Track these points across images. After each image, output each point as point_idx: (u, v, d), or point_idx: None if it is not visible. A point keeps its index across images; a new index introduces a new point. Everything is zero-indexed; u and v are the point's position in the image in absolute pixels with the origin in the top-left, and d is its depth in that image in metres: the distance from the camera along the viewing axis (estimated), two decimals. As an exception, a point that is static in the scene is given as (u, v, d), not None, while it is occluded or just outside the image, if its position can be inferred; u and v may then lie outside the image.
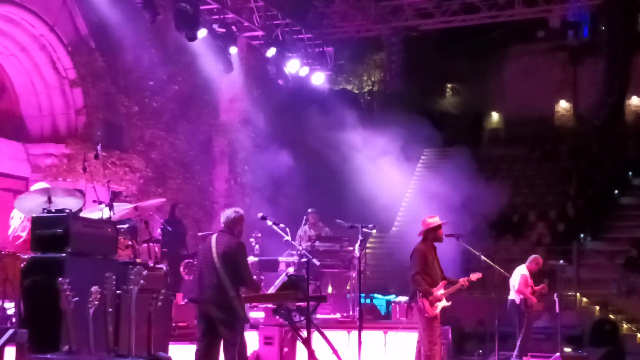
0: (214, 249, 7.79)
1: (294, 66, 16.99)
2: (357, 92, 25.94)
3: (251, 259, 12.30)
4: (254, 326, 11.51)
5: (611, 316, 16.54)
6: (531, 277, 13.01)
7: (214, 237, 7.94)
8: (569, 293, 17.40)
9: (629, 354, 14.64)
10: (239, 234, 7.98)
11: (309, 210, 14.79)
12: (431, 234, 9.83)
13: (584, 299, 17.82)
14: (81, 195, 8.45)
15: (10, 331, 7.06)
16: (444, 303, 9.64)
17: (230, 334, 7.69)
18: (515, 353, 12.21)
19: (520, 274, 12.82)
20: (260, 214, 8.74)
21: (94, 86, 14.99)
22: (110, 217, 8.49)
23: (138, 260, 8.70)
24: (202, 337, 7.87)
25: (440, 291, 9.66)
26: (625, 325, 16.79)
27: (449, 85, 31.86)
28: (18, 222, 8.69)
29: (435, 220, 9.89)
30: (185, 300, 11.40)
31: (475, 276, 10.01)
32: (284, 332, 11.43)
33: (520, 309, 12.57)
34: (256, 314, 12.12)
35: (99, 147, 9.17)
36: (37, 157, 14.70)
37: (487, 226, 21.20)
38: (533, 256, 13.34)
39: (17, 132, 14.76)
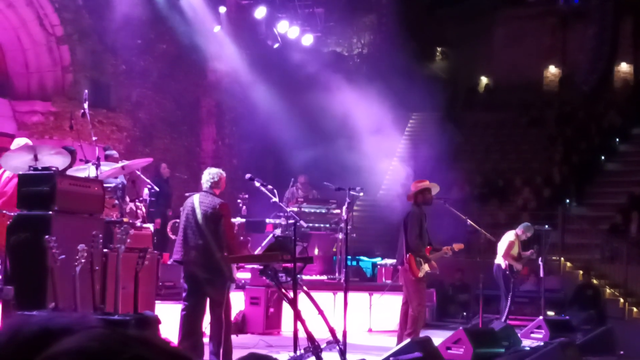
0: (197, 210, 7.79)
1: (283, 27, 16.87)
2: (346, 54, 25.78)
3: (238, 220, 12.32)
4: (241, 286, 11.57)
5: (594, 281, 16.70)
6: (520, 243, 13.10)
7: (196, 198, 7.93)
8: (553, 258, 17.53)
9: (611, 319, 14.80)
10: (220, 195, 8.00)
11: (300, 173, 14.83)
12: (420, 197, 9.92)
13: (568, 264, 17.96)
14: (68, 154, 8.39)
15: (-3, 288, 7.07)
16: (428, 268, 9.77)
17: (216, 294, 7.73)
18: (503, 318, 12.32)
19: (507, 240, 12.91)
20: (248, 175, 8.74)
21: (80, 44, 14.85)
22: (97, 176, 8.47)
23: (125, 220, 8.70)
24: (188, 298, 7.90)
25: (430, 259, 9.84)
26: (608, 290, 16.96)
27: (439, 49, 31.72)
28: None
29: (424, 184, 9.98)
30: (171, 260, 11.45)
31: (457, 246, 10.20)
32: (270, 293, 11.51)
33: (506, 273, 12.68)
34: (243, 275, 12.18)
35: (85, 105, 9.09)
36: (23, 114, 14.59)
37: (473, 190, 21.29)
38: (526, 224, 13.42)
39: (3, 89, 14.63)
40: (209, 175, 8.04)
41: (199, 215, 7.76)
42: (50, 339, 1.17)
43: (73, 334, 1.15)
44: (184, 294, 7.96)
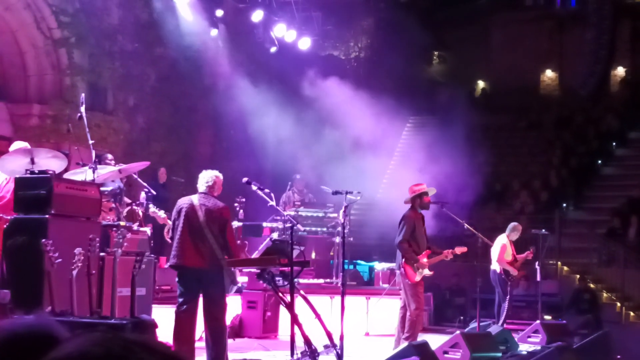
0: (199, 212, 7.72)
1: (280, 30, 16.87)
2: (343, 58, 25.78)
3: (235, 224, 12.30)
4: (237, 290, 11.55)
5: (591, 285, 16.68)
6: (513, 246, 13.08)
7: (195, 199, 7.83)
8: (550, 261, 17.54)
9: (608, 323, 14.79)
10: (218, 197, 7.97)
11: (297, 176, 14.80)
12: (417, 201, 9.92)
13: (565, 268, 17.96)
14: (64, 157, 8.38)
15: (-7, 292, 7.05)
16: (426, 272, 9.73)
17: (218, 296, 7.70)
18: (500, 322, 12.32)
19: (500, 244, 12.91)
20: (245, 179, 8.72)
21: (78, 47, 14.83)
22: (93, 179, 8.45)
23: (122, 223, 8.68)
24: (186, 302, 7.79)
25: (423, 260, 9.76)
26: (605, 295, 16.96)
27: (436, 53, 31.75)
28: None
29: (422, 187, 9.98)
30: (168, 265, 11.41)
31: (460, 250, 10.13)
32: (267, 297, 11.50)
33: (502, 278, 12.68)
34: (240, 279, 12.15)
35: (82, 109, 9.08)
36: (20, 117, 14.57)
37: (471, 194, 21.27)
38: (513, 224, 13.35)
39: (0, 92, 14.61)
40: (204, 178, 8.01)
41: (202, 218, 7.68)
42: (19, 344, 1.16)
43: (38, 338, 1.14)
44: (180, 299, 7.83)
